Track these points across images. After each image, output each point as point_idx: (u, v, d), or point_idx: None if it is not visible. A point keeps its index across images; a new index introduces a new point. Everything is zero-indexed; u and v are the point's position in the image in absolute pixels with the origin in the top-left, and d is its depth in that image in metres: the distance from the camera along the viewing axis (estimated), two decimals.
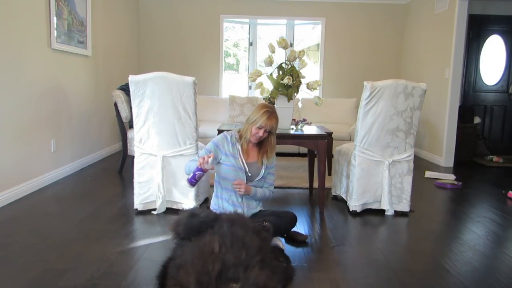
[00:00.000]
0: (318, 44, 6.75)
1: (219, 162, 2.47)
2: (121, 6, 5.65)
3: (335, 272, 2.18)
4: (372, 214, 3.14)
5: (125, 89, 4.14)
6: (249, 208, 2.51)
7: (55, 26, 3.72)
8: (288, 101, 3.25)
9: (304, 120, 3.62)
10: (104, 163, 4.80)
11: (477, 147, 5.73)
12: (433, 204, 3.58)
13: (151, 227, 2.78)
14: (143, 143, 3.02)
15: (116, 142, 5.49)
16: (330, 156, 4.23)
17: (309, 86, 3.31)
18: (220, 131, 2.89)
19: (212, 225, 1.96)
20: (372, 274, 2.17)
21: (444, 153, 5.20)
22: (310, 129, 3.42)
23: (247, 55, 6.98)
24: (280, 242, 2.43)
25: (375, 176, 3.13)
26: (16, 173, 3.27)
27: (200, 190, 3.14)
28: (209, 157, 2.24)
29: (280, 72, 3.28)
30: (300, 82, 3.30)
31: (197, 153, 2.93)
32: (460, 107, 5.27)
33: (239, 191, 2.39)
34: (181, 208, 3.00)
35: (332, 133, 4.22)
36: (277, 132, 2.52)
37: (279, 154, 5.23)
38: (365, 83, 2.97)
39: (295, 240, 2.57)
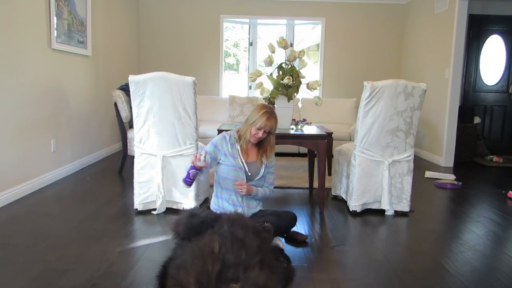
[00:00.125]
0: (318, 44, 6.75)
1: (218, 163, 2.47)
2: (121, 6, 5.65)
3: (335, 272, 2.18)
4: (372, 214, 3.14)
5: (125, 89, 4.14)
6: (249, 208, 2.51)
7: (55, 26, 3.72)
8: (288, 101, 3.26)
9: (304, 120, 3.62)
10: (104, 163, 4.80)
11: (477, 147, 5.73)
12: (433, 204, 3.58)
13: (151, 227, 2.78)
14: (143, 143, 3.02)
15: (116, 142, 5.49)
16: (330, 156, 4.23)
17: (309, 86, 3.31)
18: (220, 131, 2.89)
19: (212, 225, 1.96)
20: (372, 274, 2.17)
21: (444, 153, 5.20)
22: (310, 129, 3.42)
23: (247, 55, 6.98)
24: (280, 242, 2.43)
25: (375, 176, 3.13)
26: (16, 173, 3.27)
27: (200, 190, 3.14)
28: (201, 155, 2.25)
29: (280, 72, 3.28)
30: (300, 82, 3.30)
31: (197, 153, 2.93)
32: (460, 107, 5.27)
33: (241, 191, 2.40)
34: (181, 208, 3.00)
35: (332, 133, 4.22)
36: (277, 132, 2.53)
37: (279, 154, 5.24)
38: (365, 83, 2.97)
39: (295, 240, 2.57)
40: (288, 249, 2.44)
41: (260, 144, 2.50)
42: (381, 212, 3.16)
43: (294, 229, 2.66)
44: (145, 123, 2.97)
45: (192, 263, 1.66)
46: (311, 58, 6.89)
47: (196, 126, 2.99)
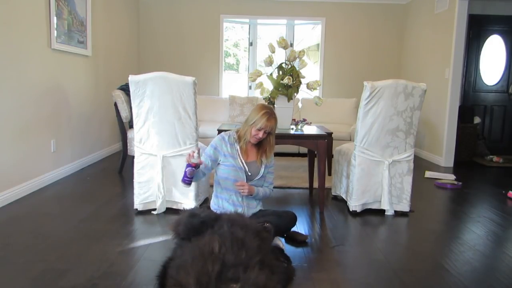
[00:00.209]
0: (318, 44, 6.75)
1: (218, 163, 2.47)
2: (121, 6, 5.65)
3: (335, 272, 2.18)
4: (372, 214, 3.14)
5: (125, 89, 4.14)
6: (249, 208, 2.51)
7: (55, 26, 3.72)
8: (288, 101, 3.26)
9: (304, 120, 3.62)
10: (104, 163, 4.80)
11: (477, 147, 5.73)
12: (433, 204, 3.58)
13: (151, 227, 2.78)
14: (143, 143, 3.02)
15: (116, 142, 5.49)
16: (330, 156, 4.23)
17: (309, 86, 3.31)
18: (220, 131, 2.89)
19: (212, 225, 1.96)
20: (372, 274, 2.17)
21: (444, 153, 5.20)
22: (310, 129, 3.42)
23: (247, 55, 6.98)
24: (280, 242, 2.43)
25: (375, 176, 3.13)
26: (16, 173, 3.27)
27: (200, 190, 3.14)
28: (194, 151, 2.30)
29: (280, 72, 3.28)
30: (300, 82, 3.30)
31: None
32: (460, 107, 5.27)
33: (242, 192, 2.40)
34: (181, 208, 3.00)
35: (332, 133, 4.22)
36: (277, 132, 2.54)
37: (279, 154, 5.24)
38: (365, 83, 2.97)
39: (295, 240, 2.57)
40: (288, 249, 2.44)
41: (259, 144, 2.50)
42: (381, 212, 3.16)
43: (294, 229, 2.66)
44: (145, 123, 2.97)
45: (192, 263, 1.65)
46: (311, 58, 6.89)
47: (196, 126, 2.99)
